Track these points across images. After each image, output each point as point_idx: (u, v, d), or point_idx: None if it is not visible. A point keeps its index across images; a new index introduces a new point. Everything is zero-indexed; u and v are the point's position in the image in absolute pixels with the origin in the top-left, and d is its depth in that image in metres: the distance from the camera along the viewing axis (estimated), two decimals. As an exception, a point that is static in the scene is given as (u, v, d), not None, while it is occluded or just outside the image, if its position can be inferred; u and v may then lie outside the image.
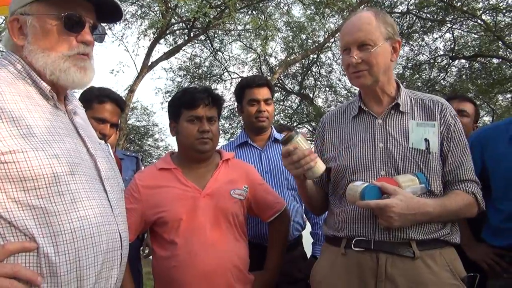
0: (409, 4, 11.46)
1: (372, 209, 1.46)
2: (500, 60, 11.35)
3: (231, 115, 14.49)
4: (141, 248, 3.17)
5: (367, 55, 1.53)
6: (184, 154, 1.91)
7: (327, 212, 1.78)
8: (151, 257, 3.12)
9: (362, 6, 11.50)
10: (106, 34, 1.30)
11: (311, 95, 15.09)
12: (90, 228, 1.07)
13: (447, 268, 1.47)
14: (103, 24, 1.27)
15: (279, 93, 15.04)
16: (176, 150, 1.98)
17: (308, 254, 2.50)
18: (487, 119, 13.46)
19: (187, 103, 1.86)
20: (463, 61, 12.43)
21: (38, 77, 1.14)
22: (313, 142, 1.92)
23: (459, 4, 10.33)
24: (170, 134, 1.96)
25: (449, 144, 1.56)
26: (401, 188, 1.44)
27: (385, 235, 1.48)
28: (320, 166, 1.52)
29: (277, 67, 12.83)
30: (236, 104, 2.67)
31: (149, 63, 11.39)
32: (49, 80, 1.14)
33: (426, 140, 1.54)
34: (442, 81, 12.78)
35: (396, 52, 1.60)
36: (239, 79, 7.69)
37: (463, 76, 12.56)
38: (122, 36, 12.92)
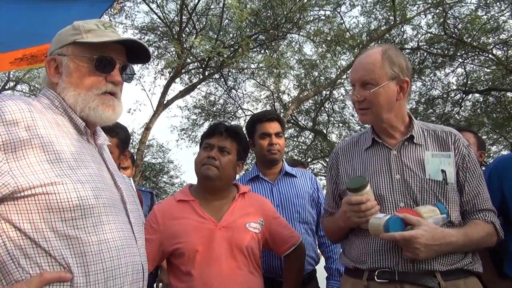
0: (419, 41, 11.64)
1: (397, 241, 1.43)
2: (515, 93, 11.33)
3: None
4: (155, 284, 3.14)
5: (368, 95, 1.56)
6: (198, 184, 1.95)
7: (342, 245, 1.74)
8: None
9: (373, 43, 11.69)
10: (135, 74, 1.38)
11: (324, 131, 15.14)
12: (119, 258, 1.09)
13: None
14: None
15: (293, 129, 15.13)
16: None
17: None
18: (504, 153, 13.23)
19: (206, 133, 1.97)
20: (477, 95, 12.41)
21: (74, 114, 1.21)
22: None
23: (469, 39, 10.45)
24: None
25: (465, 174, 1.56)
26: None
27: (409, 266, 1.45)
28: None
29: (290, 104, 12.99)
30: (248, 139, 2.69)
31: (165, 102, 11.66)
32: (80, 116, 1.21)
33: (443, 171, 1.54)
34: (456, 115, 12.72)
35: (403, 91, 1.59)
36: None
37: (478, 110, 12.49)
38: (139, 76, 13.37)
